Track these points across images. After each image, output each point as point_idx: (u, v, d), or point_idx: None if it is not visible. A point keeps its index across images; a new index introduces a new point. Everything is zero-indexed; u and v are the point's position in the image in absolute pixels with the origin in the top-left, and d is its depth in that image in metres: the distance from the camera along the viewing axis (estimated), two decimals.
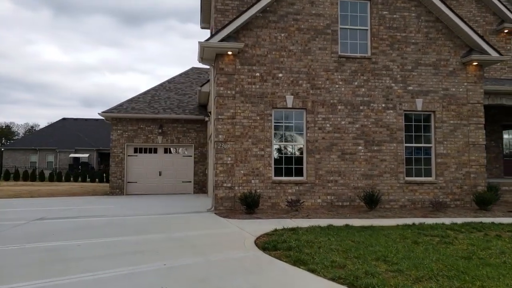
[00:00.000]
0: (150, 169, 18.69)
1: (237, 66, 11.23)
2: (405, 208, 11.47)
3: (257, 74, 11.30)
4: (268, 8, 11.39)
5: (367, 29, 11.94)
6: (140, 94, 19.50)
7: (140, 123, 18.45)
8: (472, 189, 11.90)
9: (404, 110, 11.88)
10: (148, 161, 18.73)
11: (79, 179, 34.03)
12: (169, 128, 18.67)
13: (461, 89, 12.13)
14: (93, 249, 6.51)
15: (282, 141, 11.47)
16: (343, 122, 11.58)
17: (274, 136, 11.37)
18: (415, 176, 11.89)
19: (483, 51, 11.91)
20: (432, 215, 10.28)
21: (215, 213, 10.68)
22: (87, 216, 10.57)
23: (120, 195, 17.87)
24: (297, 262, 5.51)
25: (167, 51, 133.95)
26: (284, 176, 11.35)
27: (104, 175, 32.45)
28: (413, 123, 12.00)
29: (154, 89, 20.15)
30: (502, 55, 11.91)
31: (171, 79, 21.16)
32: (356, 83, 11.72)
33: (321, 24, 11.65)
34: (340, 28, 11.81)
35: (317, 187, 11.32)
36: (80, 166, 42.42)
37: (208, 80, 16.25)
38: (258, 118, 11.22)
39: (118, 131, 18.27)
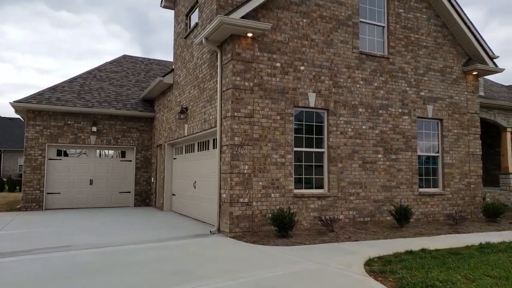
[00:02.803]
0: (78, 177, 14.80)
1: (256, 52, 9.06)
2: (420, 222, 10.64)
3: (278, 64, 9.28)
4: None
5: (384, 26, 10.86)
6: (65, 82, 15.37)
7: (68, 118, 14.48)
8: (472, 200, 11.71)
9: (418, 117, 11.11)
10: (76, 167, 14.81)
11: None
12: (105, 126, 15.06)
13: (462, 98, 11.88)
14: None
15: (303, 147, 9.62)
16: (364, 127, 10.26)
17: (295, 140, 9.47)
18: (425, 187, 11.20)
19: (482, 61, 11.86)
20: (462, 229, 9.61)
21: (230, 237, 8.33)
22: (42, 249, 7.21)
23: (38, 210, 13.68)
24: None
25: (34, 39, 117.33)
26: (304, 188, 9.54)
27: None
28: (423, 131, 11.31)
29: (81, 77, 16.14)
30: (498, 66, 12.01)
31: (100, 66, 17.28)
32: (375, 84, 10.53)
33: (343, 14, 10.18)
34: (360, 21, 10.52)
35: (339, 201, 9.75)
36: None
37: (172, 70, 13.39)
38: (278, 118, 9.20)
39: (37, 128, 14.04)
